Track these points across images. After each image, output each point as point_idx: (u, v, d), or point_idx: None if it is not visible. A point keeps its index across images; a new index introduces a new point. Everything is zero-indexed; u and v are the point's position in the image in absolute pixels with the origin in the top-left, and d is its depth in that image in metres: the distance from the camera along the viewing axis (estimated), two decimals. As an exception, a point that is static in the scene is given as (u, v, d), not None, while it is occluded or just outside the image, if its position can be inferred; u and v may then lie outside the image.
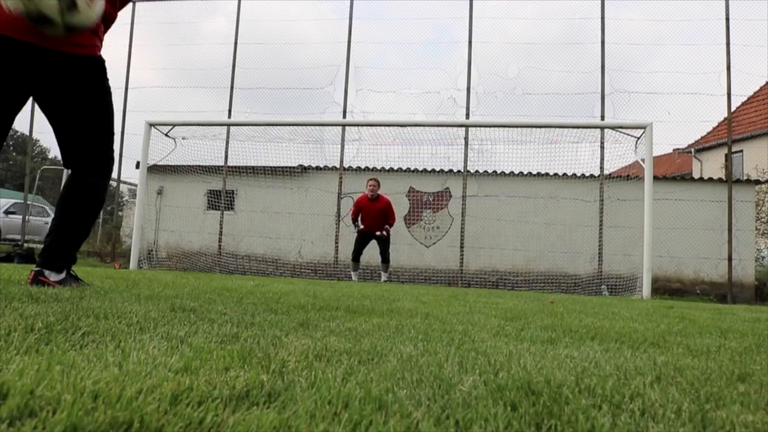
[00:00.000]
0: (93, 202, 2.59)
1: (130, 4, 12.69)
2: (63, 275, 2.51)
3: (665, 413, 0.88)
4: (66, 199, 2.56)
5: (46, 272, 2.46)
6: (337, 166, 11.67)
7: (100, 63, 2.53)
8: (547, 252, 11.03)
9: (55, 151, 32.72)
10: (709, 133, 19.15)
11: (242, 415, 0.74)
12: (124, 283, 3.06)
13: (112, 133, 2.65)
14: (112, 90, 2.66)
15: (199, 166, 11.98)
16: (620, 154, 10.23)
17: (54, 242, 2.50)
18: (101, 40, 2.54)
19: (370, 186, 8.73)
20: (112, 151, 2.65)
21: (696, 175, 18.90)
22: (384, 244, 8.90)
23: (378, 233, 8.77)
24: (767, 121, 17.85)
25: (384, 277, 9.20)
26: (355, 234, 9.13)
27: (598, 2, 11.00)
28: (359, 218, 8.90)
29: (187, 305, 2.07)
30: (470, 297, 4.21)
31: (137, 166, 10.91)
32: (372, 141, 10.98)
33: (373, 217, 8.74)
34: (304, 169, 12.05)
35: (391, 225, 8.88)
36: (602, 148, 10.60)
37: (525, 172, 11.23)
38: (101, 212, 14.32)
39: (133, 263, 9.62)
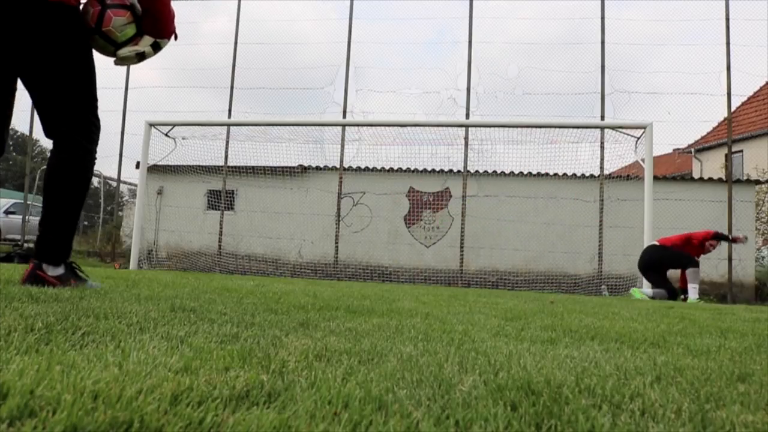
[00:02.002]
0: (79, 177, 2.37)
1: None
2: (61, 270, 2.42)
3: (665, 413, 0.88)
4: (50, 179, 2.34)
5: (44, 266, 2.36)
6: (337, 166, 11.68)
7: (75, 13, 2.29)
8: (547, 252, 11.03)
9: (55, 151, 32.66)
10: (709, 133, 19.15)
11: (242, 415, 0.74)
12: (124, 283, 3.06)
13: (93, 97, 2.40)
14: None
15: (199, 166, 11.99)
16: (620, 154, 10.24)
17: (46, 233, 2.35)
18: None
19: (713, 248, 7.88)
20: (95, 117, 2.42)
21: (696, 175, 18.89)
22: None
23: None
24: (767, 121, 17.85)
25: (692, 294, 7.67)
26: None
27: (598, 2, 11.01)
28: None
29: (187, 305, 2.07)
30: (470, 297, 4.21)
31: (137, 166, 10.91)
32: (372, 141, 10.99)
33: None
34: (304, 169, 12.05)
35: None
36: (602, 148, 10.60)
37: (525, 172, 11.24)
38: (101, 212, 14.20)
39: (133, 263, 9.62)
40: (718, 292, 10.27)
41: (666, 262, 7.74)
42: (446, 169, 11.54)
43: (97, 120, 2.45)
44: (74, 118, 2.34)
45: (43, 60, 2.24)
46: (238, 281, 4.67)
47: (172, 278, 4.16)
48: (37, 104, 2.33)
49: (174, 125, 10.40)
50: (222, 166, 12.08)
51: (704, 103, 11.25)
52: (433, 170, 11.64)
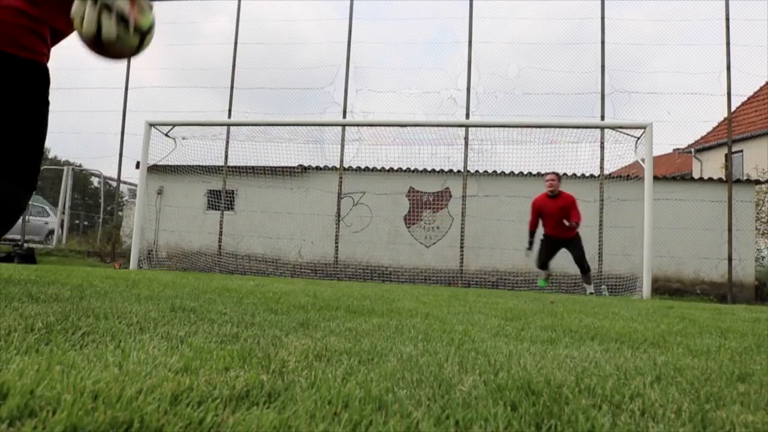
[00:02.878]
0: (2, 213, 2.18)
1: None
2: None
3: (665, 413, 0.88)
4: None
5: None
6: (337, 166, 11.67)
7: (45, 73, 2.32)
8: (547, 252, 11.01)
9: (55, 151, 32.73)
10: (709, 133, 19.14)
11: (242, 415, 0.74)
12: (124, 283, 3.06)
13: (40, 150, 2.32)
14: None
15: (199, 166, 11.98)
16: (620, 154, 10.24)
17: None
18: (49, 50, 2.33)
19: (549, 181, 7.37)
20: (37, 169, 2.33)
21: (696, 175, 18.89)
22: (577, 250, 7.59)
23: (566, 230, 7.40)
24: (767, 121, 17.84)
25: (590, 289, 7.86)
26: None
27: (598, 2, 11.01)
28: (539, 223, 7.65)
29: (187, 305, 2.07)
30: (470, 297, 4.21)
31: (137, 166, 10.91)
32: (372, 141, 10.98)
33: (557, 219, 7.42)
34: (304, 169, 12.05)
35: (576, 224, 7.38)
36: (602, 148, 10.60)
37: (525, 172, 11.24)
38: (101, 212, 14.07)
39: (133, 263, 9.62)
40: (718, 292, 10.26)
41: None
42: (446, 169, 11.54)
43: (38, 173, 2.33)
44: (18, 162, 2.22)
45: (4, 107, 2.17)
46: (238, 281, 4.67)
47: (172, 278, 4.17)
48: None
49: (174, 125, 10.40)
50: (222, 166, 12.08)
51: (704, 103, 11.25)
52: (433, 170, 11.63)
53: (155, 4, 2.34)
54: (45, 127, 2.37)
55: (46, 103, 2.36)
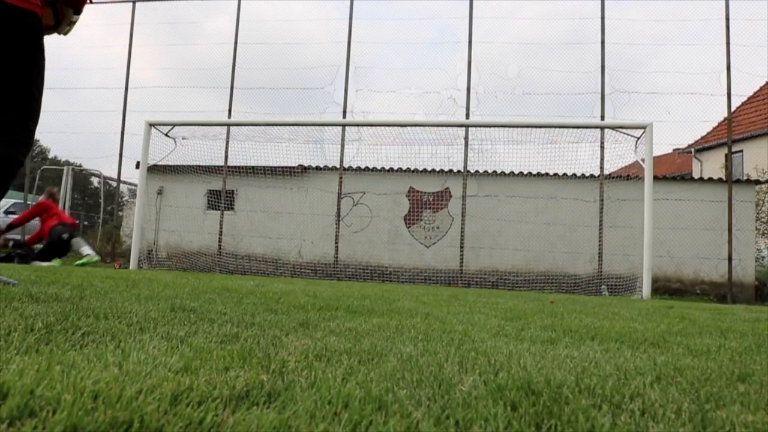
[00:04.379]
0: None
1: (130, 4, 12.69)
2: None
3: (665, 413, 0.88)
4: None
5: None
6: (337, 166, 11.68)
7: (40, 23, 2.31)
8: (547, 252, 11.02)
9: (55, 151, 32.75)
10: (709, 133, 19.14)
11: (242, 415, 0.74)
12: (124, 283, 3.07)
13: (36, 101, 2.31)
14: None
15: (199, 166, 11.99)
16: (620, 154, 10.23)
17: None
18: (42, 2, 2.35)
19: None
20: (32, 124, 2.31)
21: (696, 175, 18.89)
22: None
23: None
24: (767, 121, 17.84)
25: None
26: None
27: (598, 2, 11.01)
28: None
29: (187, 305, 2.07)
30: (470, 297, 4.21)
31: (137, 166, 10.91)
32: (372, 141, 10.98)
33: None
34: (304, 169, 12.05)
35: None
36: (602, 148, 10.60)
37: (525, 172, 11.24)
38: (101, 212, 14.02)
39: (133, 263, 9.62)
40: (718, 292, 10.27)
41: None
42: (446, 169, 11.54)
43: (34, 129, 2.33)
44: (9, 119, 2.22)
45: (3, 57, 2.17)
46: (238, 281, 4.67)
47: (172, 278, 4.17)
48: None
49: (174, 125, 10.40)
50: (222, 166, 12.08)
51: (704, 103, 11.24)
52: (433, 170, 11.64)
53: (157, 4, 2.41)
54: (41, 81, 2.33)
55: (42, 54, 2.35)
